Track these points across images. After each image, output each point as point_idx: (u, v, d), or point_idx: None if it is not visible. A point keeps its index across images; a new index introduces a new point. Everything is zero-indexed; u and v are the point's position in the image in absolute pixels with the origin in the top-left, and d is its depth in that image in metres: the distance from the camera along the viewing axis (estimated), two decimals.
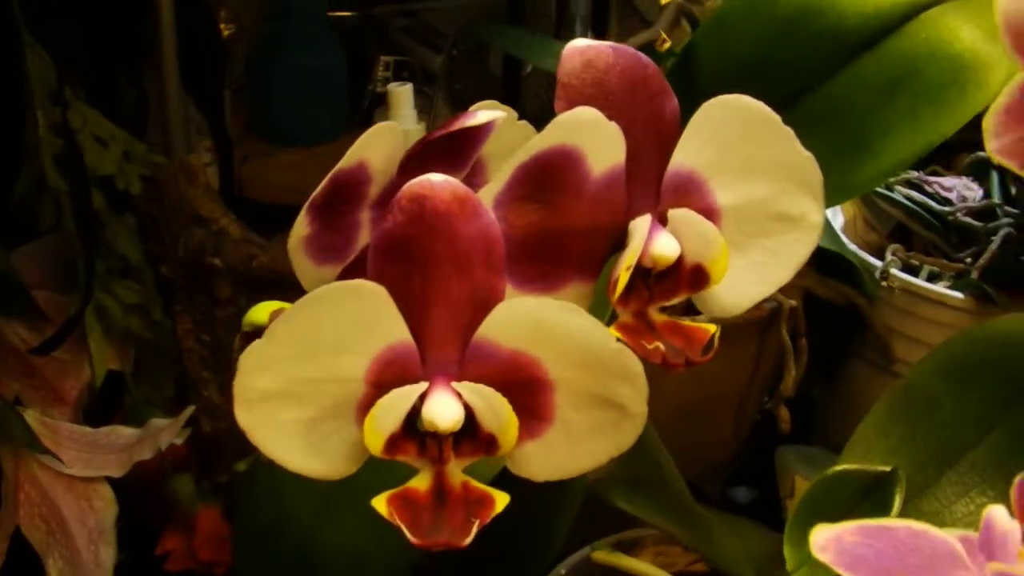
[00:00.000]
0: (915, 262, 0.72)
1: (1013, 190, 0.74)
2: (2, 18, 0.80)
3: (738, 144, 0.34)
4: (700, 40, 0.53)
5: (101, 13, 0.96)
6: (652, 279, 0.33)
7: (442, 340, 0.31)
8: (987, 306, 0.65)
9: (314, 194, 0.36)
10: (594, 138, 0.31)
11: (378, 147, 0.37)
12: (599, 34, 1.06)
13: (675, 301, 0.33)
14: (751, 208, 0.35)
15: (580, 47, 0.32)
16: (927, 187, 0.76)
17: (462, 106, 1.19)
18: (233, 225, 0.91)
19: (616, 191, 0.32)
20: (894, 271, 0.70)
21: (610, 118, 0.31)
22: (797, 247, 0.35)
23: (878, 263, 0.71)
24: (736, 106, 0.34)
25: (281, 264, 0.91)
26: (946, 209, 0.74)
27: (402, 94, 0.91)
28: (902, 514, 0.43)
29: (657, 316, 0.33)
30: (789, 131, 0.35)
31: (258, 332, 0.40)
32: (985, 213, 0.73)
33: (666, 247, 0.32)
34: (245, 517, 0.51)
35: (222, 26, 1.20)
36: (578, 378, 0.31)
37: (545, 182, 0.31)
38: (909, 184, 0.76)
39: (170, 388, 0.93)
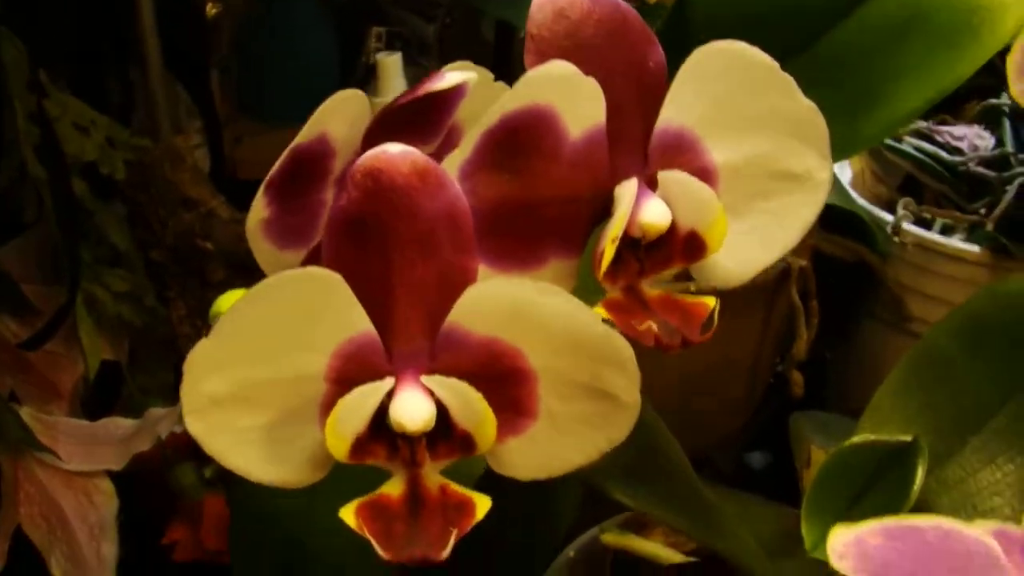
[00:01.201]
0: (927, 215, 0.69)
1: None
2: None
3: (733, 96, 0.31)
4: None
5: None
6: (642, 250, 0.30)
7: (408, 330, 0.28)
8: (1004, 259, 0.63)
9: (271, 172, 0.33)
10: (569, 95, 0.28)
11: (341, 117, 0.33)
12: None
13: (669, 273, 0.30)
14: (750, 167, 0.31)
15: None
16: (937, 137, 0.73)
17: None
18: (222, 207, 0.89)
19: (597, 154, 0.29)
20: (906, 225, 0.67)
21: (587, 73, 0.28)
22: (802, 208, 0.32)
23: (889, 217, 0.68)
24: (729, 53, 0.31)
25: None
26: (957, 159, 0.71)
27: (391, 64, 0.88)
28: (924, 486, 0.41)
29: (649, 291, 0.30)
30: (789, 79, 0.31)
31: None
32: (998, 162, 0.71)
33: (656, 214, 0.28)
34: (238, 507, 0.49)
35: (208, 5, 1.18)
36: (562, 366, 0.28)
37: (516, 147, 0.28)
38: (918, 134, 0.73)
39: (168, 374, 0.93)
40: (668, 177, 0.29)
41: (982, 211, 0.68)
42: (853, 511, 0.43)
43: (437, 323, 0.28)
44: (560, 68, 0.28)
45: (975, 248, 0.64)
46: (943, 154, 0.72)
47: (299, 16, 1.20)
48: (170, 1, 0.98)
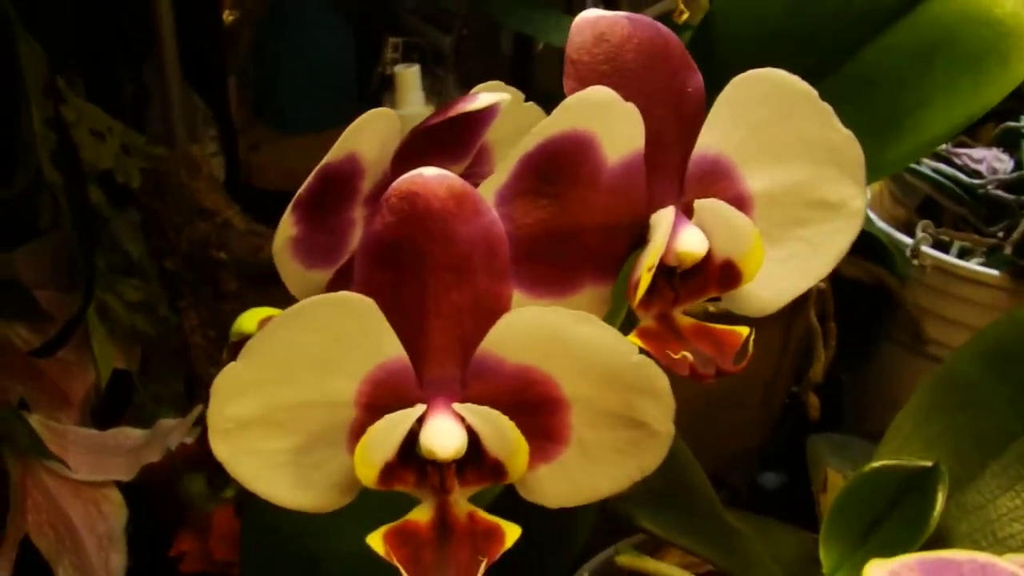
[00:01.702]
0: (945, 238, 0.69)
1: None
2: None
3: (771, 124, 0.30)
4: (720, 9, 0.50)
5: (98, 2, 0.94)
6: (677, 278, 0.29)
7: (441, 356, 0.27)
8: (1022, 283, 0.62)
9: (300, 191, 0.32)
10: (608, 121, 0.28)
11: (370, 136, 0.33)
12: (610, 5, 1.02)
13: (703, 301, 0.30)
14: (787, 195, 0.31)
15: (591, 18, 0.29)
16: (956, 159, 0.73)
17: (473, 88, 1.17)
18: (238, 217, 0.89)
19: (635, 180, 0.28)
20: (925, 248, 0.67)
21: (626, 98, 0.28)
22: (838, 237, 0.31)
23: (908, 240, 0.68)
24: (768, 81, 0.30)
25: None
26: (976, 182, 0.71)
27: (409, 76, 0.89)
28: (943, 511, 0.40)
29: (683, 319, 0.29)
30: (827, 107, 0.31)
31: (246, 341, 0.37)
32: (1017, 185, 0.70)
33: (693, 243, 0.28)
34: (253, 520, 0.48)
35: (226, 12, 1.18)
36: (596, 395, 0.27)
37: (554, 173, 0.28)
38: (937, 156, 0.73)
39: (179, 384, 0.93)
40: (705, 205, 0.29)
41: (1000, 234, 0.67)
42: (872, 536, 0.43)
43: (470, 350, 0.27)
44: (600, 94, 0.27)
45: (994, 272, 0.63)
46: (962, 176, 0.71)
47: (317, 24, 1.20)
48: (188, 8, 0.99)
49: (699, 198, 0.29)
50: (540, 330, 0.27)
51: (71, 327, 0.83)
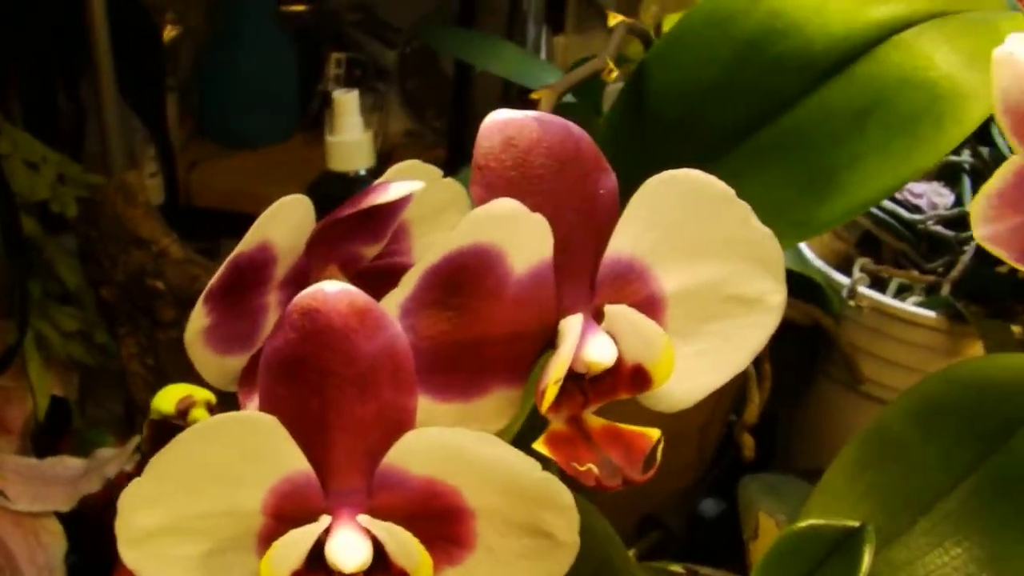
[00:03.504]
0: (884, 275, 0.69)
1: None
2: None
3: (687, 224, 0.30)
4: (652, 61, 0.49)
5: (34, 24, 0.93)
6: (586, 382, 0.29)
7: (346, 468, 0.27)
8: (959, 324, 0.62)
9: (211, 282, 0.32)
10: (515, 233, 0.27)
11: (282, 224, 0.33)
12: (555, 31, 1.02)
13: (612, 400, 0.30)
14: (702, 292, 0.31)
15: (499, 122, 0.28)
16: (896, 194, 0.73)
17: (415, 105, 1.16)
18: (174, 246, 0.88)
19: (543, 289, 0.28)
20: (862, 289, 0.67)
21: (535, 204, 0.27)
22: (754, 331, 0.31)
23: (844, 279, 0.68)
24: (683, 181, 0.30)
25: None
26: (916, 217, 0.71)
27: (348, 102, 0.88)
28: (872, 568, 0.41)
29: (593, 420, 0.29)
30: (744, 206, 0.31)
31: (164, 421, 0.37)
32: (957, 221, 0.70)
33: (601, 352, 0.28)
34: None
35: (168, 27, 1.17)
36: (501, 506, 0.27)
37: (458, 286, 0.27)
38: None
39: (118, 408, 0.92)
40: (615, 312, 0.29)
41: (940, 269, 0.68)
42: None
43: (375, 461, 0.27)
44: (506, 207, 0.27)
45: (931, 313, 0.63)
46: (902, 211, 0.71)
47: (259, 39, 1.20)
48: (125, 23, 0.97)
49: (611, 300, 0.29)
50: (443, 448, 0.27)
51: (8, 356, 0.82)
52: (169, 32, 1.18)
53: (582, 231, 0.29)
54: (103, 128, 0.95)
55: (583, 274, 0.29)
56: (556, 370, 0.27)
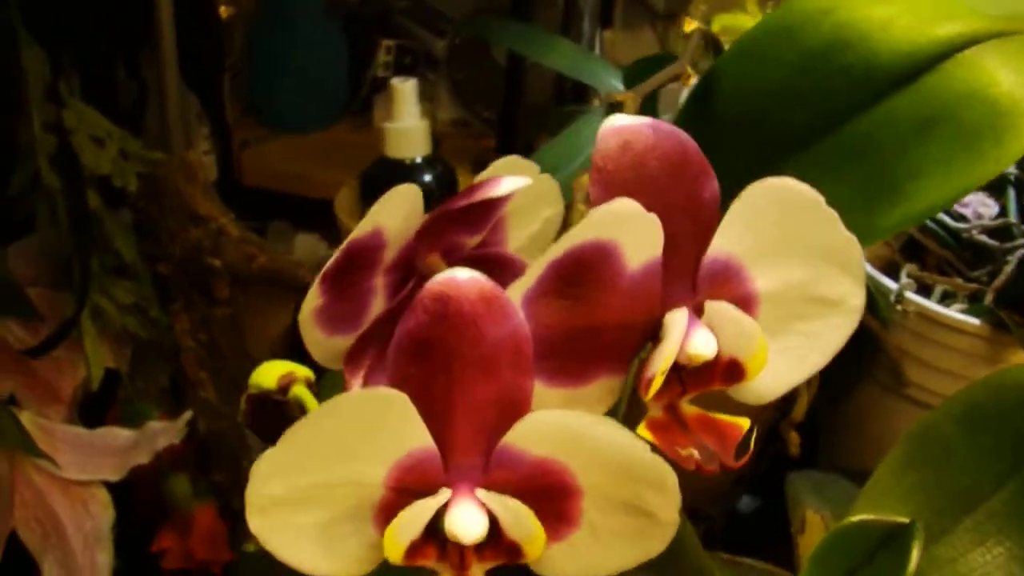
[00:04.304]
0: (929, 282, 0.71)
1: None
2: None
3: (778, 228, 0.32)
4: (722, 67, 0.51)
5: (98, 3, 0.94)
6: (685, 372, 0.31)
7: (466, 445, 0.29)
8: (1001, 332, 0.64)
9: (327, 266, 0.34)
10: (631, 231, 0.29)
11: (396, 212, 0.35)
12: (603, 26, 1.03)
13: (707, 391, 0.32)
14: (789, 292, 0.33)
15: (617, 127, 0.30)
16: None
17: (464, 95, 1.17)
18: (231, 224, 0.90)
19: (652, 284, 0.30)
20: (908, 294, 0.68)
21: (647, 204, 0.29)
22: (836, 331, 0.33)
23: (891, 283, 0.69)
24: (778, 189, 0.32)
25: (280, 264, 0.89)
26: (961, 226, 0.72)
27: (405, 90, 0.89)
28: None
29: (689, 408, 0.31)
30: (832, 213, 0.33)
31: (264, 395, 0.39)
32: (1001, 231, 0.72)
33: (704, 346, 0.30)
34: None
35: (221, 9, 1.18)
36: (607, 485, 0.29)
37: (578, 278, 0.29)
38: None
39: (164, 380, 0.93)
40: (715, 308, 0.31)
41: (983, 278, 0.69)
42: None
43: (494, 439, 0.29)
44: (625, 207, 0.29)
45: (975, 320, 0.65)
46: (947, 220, 0.73)
47: (309, 24, 1.19)
48: (187, 8, 0.98)
49: (710, 297, 0.31)
50: (563, 430, 0.29)
51: (66, 328, 0.84)
52: (223, 13, 1.19)
53: (687, 231, 0.31)
54: (164, 106, 0.96)
55: (686, 271, 0.31)
56: (663, 361, 0.29)
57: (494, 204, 0.35)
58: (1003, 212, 0.73)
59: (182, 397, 0.91)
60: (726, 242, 0.32)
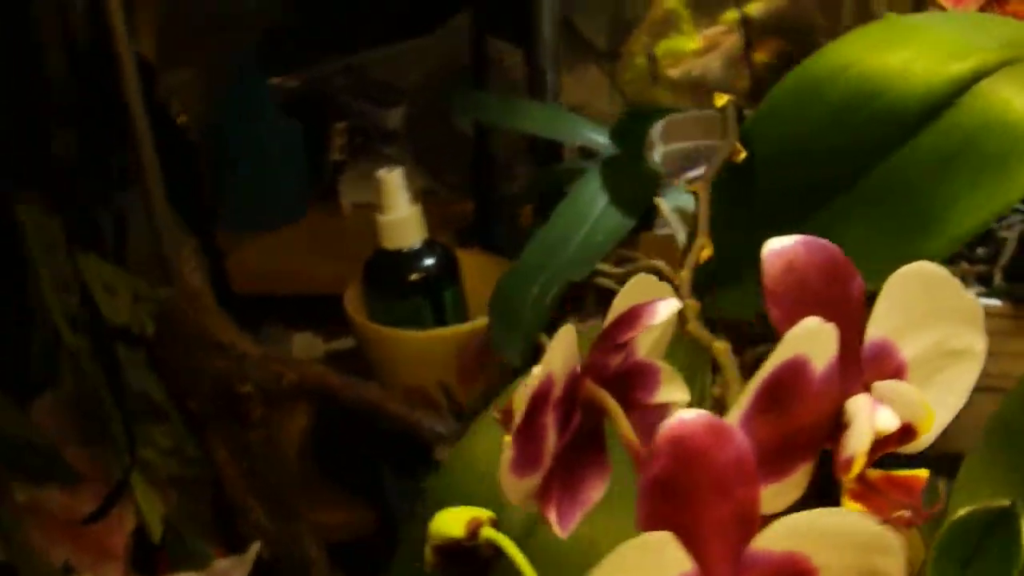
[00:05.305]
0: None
1: None
2: None
3: (918, 303, 0.37)
4: (752, 129, 0.56)
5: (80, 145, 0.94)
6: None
7: (718, 558, 0.33)
8: (1019, 307, 0.69)
9: (516, 420, 0.37)
10: (816, 343, 0.34)
11: (562, 353, 0.38)
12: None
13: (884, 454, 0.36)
14: (929, 352, 0.38)
15: (778, 250, 0.35)
16: None
17: (428, 165, 1.18)
18: (250, 345, 0.90)
19: (833, 381, 0.35)
20: None
21: (815, 312, 0.34)
22: (966, 375, 0.39)
23: None
24: (916, 273, 0.38)
25: (308, 375, 0.90)
26: None
27: (393, 180, 0.91)
28: None
29: (872, 473, 0.36)
30: (956, 282, 0.38)
31: (450, 545, 0.41)
32: None
33: (888, 422, 0.35)
34: None
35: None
36: (842, 560, 0.34)
37: (780, 393, 0.34)
38: None
39: (207, 512, 0.94)
40: (882, 386, 0.36)
41: (985, 259, 0.74)
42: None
43: (739, 546, 0.33)
44: (812, 325, 0.34)
45: (995, 302, 0.70)
46: None
47: (263, 120, 1.18)
48: (163, 133, 0.98)
49: (873, 378, 0.36)
50: (804, 528, 0.33)
51: (119, 489, 0.84)
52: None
53: (848, 326, 0.35)
54: (156, 236, 0.95)
55: (853, 360, 0.36)
56: (862, 443, 0.34)
57: (636, 325, 0.39)
58: None
59: (227, 527, 0.91)
60: (879, 327, 0.37)
